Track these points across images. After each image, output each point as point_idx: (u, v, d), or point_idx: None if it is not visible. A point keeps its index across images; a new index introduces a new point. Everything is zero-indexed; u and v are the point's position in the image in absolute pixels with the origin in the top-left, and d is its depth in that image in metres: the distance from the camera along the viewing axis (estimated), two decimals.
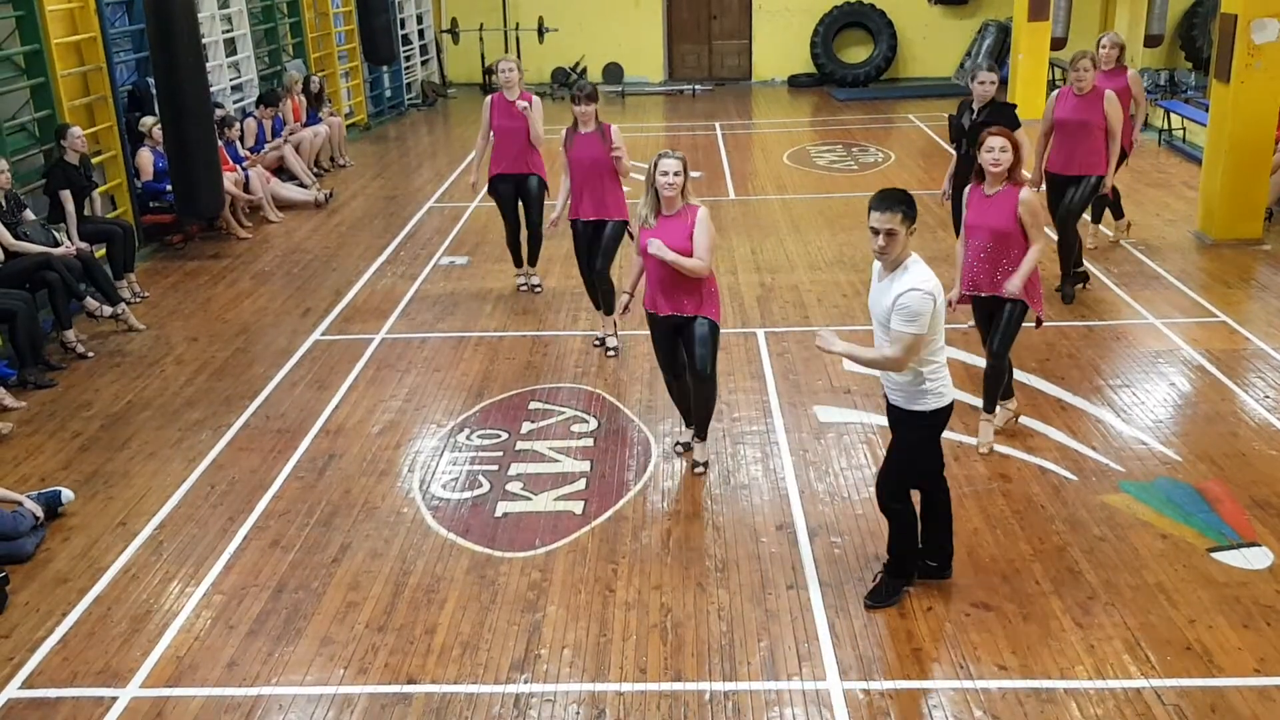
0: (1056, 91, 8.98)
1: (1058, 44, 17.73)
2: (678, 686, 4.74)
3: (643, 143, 16.44)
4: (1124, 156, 9.73)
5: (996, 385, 6.67)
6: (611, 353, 8.26)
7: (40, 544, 5.93)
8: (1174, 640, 4.92)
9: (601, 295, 8.38)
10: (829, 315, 8.92)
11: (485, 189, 9.57)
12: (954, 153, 8.52)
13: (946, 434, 6.79)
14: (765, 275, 9.95)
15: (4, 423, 7.31)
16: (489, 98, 9.17)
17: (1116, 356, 7.99)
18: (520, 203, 9.28)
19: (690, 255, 6.04)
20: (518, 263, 9.75)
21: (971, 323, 7.25)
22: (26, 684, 4.89)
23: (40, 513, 6.04)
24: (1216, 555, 5.54)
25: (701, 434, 6.58)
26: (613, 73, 22.21)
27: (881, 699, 4.63)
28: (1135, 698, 4.58)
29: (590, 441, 6.96)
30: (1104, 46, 9.79)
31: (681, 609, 5.25)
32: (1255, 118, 10.08)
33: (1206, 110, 11.43)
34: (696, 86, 21.57)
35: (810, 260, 10.39)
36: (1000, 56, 19.74)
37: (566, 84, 21.65)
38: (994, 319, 6.48)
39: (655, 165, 6.09)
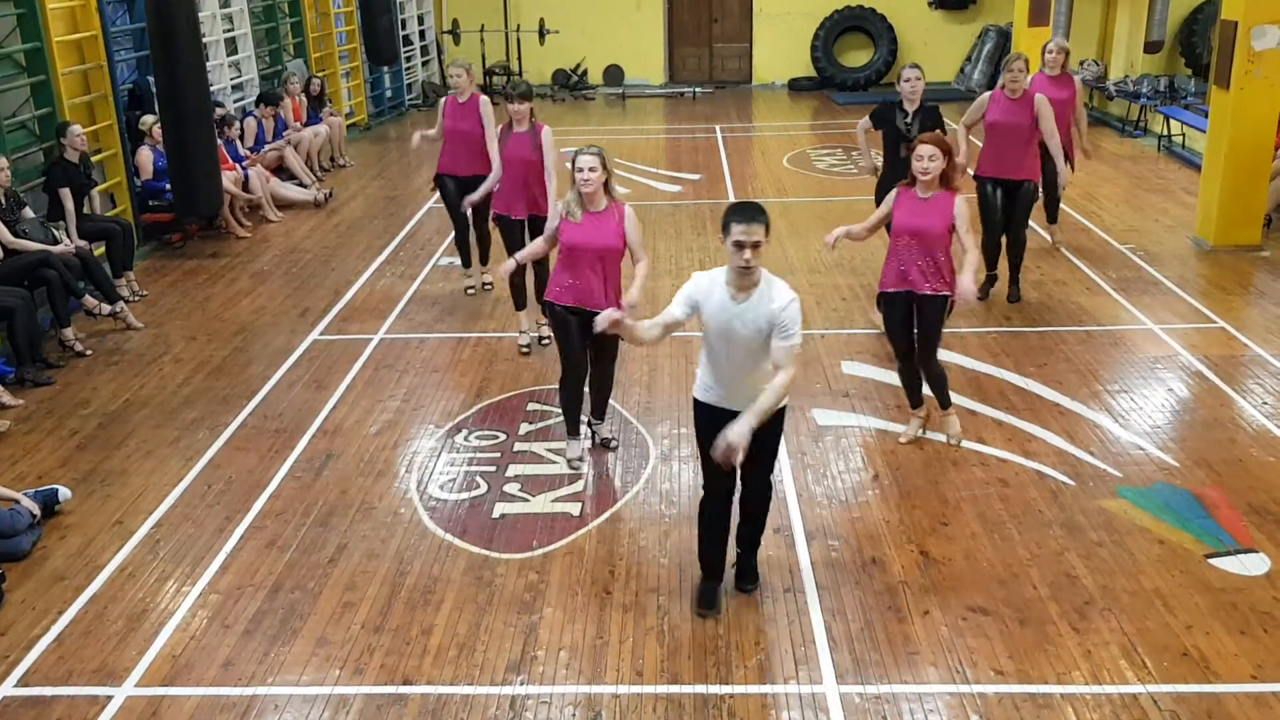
0: (988, 94, 8.88)
1: None
2: (674, 689, 4.73)
3: (643, 145, 16.47)
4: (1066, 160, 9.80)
5: (944, 382, 6.80)
6: (526, 349, 8.26)
7: (37, 542, 5.93)
8: (1171, 646, 4.92)
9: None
10: (829, 318, 8.92)
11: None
12: (879, 149, 8.46)
13: (945, 438, 6.84)
14: None
15: (1, 420, 7.30)
16: (442, 100, 9.12)
17: (1115, 362, 8.00)
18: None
19: (620, 250, 6.29)
20: (466, 263, 9.72)
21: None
22: (22, 682, 4.88)
23: (37, 510, 6.03)
24: (1214, 561, 5.54)
25: (602, 414, 6.87)
26: (613, 75, 22.22)
27: (878, 703, 4.63)
28: (1132, 703, 4.58)
29: (588, 443, 6.95)
30: (1050, 52, 9.79)
31: (679, 611, 5.24)
32: (1255, 124, 10.09)
33: (1206, 116, 11.44)
34: (697, 89, 21.57)
35: (810, 264, 10.39)
36: (1000, 61, 19.75)
37: (568, 86, 21.67)
38: (917, 319, 6.55)
39: (573, 162, 6.16)
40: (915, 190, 6.43)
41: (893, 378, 7.74)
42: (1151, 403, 7.33)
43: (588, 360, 6.56)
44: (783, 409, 4.96)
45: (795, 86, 22.04)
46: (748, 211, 4.65)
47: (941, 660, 4.86)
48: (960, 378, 7.73)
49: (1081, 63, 18.72)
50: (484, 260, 9.71)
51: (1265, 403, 7.27)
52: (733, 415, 4.70)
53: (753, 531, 5.33)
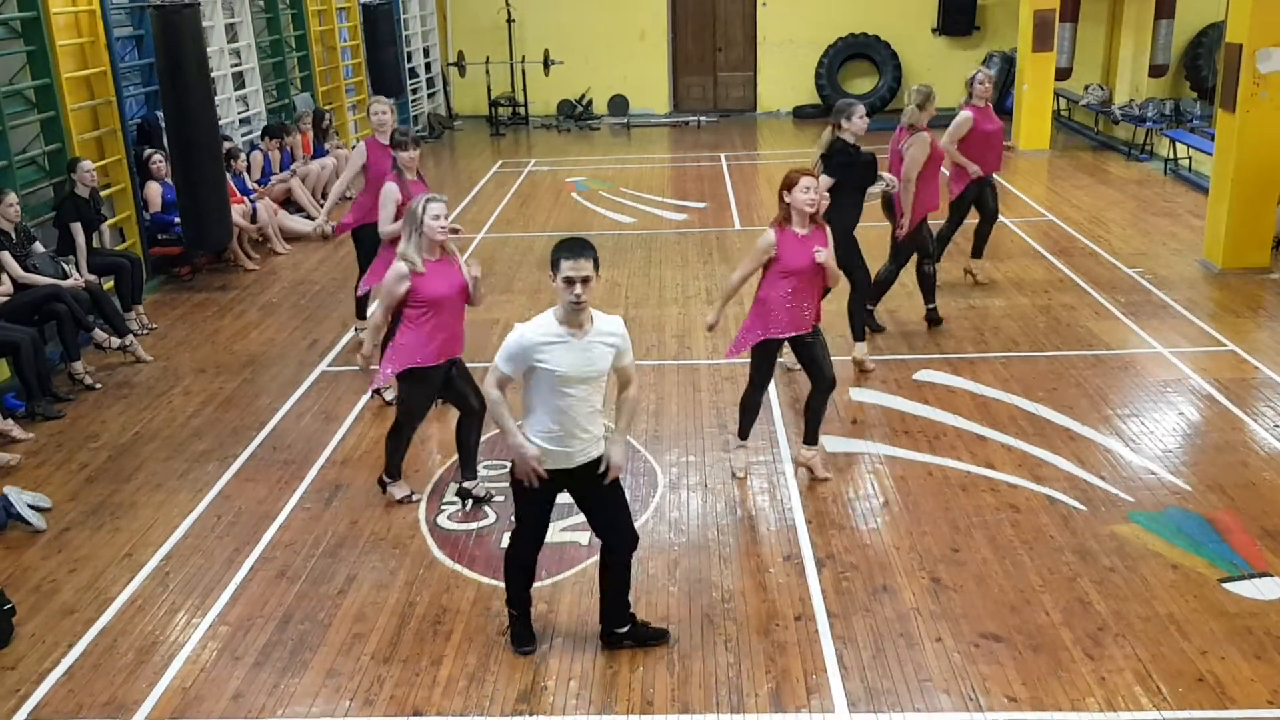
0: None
1: (1062, 74, 17.82)
2: (685, 718, 4.70)
3: (649, 174, 16.52)
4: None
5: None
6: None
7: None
8: (1186, 672, 4.88)
9: None
10: (835, 345, 8.86)
11: (334, 229, 9.19)
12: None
13: (955, 464, 6.83)
14: None
15: (12, 454, 7.31)
16: (363, 144, 8.73)
17: (1125, 386, 7.97)
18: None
19: (469, 297, 6.22)
20: (361, 314, 9.17)
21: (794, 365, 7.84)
22: (32, 716, 4.87)
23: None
24: (1228, 586, 5.50)
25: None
26: (618, 105, 22.33)
27: None
28: None
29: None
30: (980, 83, 9.71)
31: (689, 640, 5.22)
32: (1261, 147, 10.10)
33: (1212, 139, 11.46)
34: (702, 118, 21.67)
35: None
36: (1005, 87, 19.83)
37: (573, 116, 21.78)
38: (814, 352, 6.51)
39: (424, 209, 5.93)
40: (793, 229, 6.26)
41: (902, 404, 7.75)
42: (1162, 426, 7.30)
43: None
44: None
45: (800, 114, 22.12)
46: (577, 247, 4.59)
47: (954, 687, 4.83)
48: (969, 403, 7.72)
49: (1086, 87, 18.79)
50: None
51: (1277, 425, 7.24)
52: (566, 474, 4.85)
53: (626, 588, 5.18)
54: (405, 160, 7.78)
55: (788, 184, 6.22)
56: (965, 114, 9.55)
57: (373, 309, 6.32)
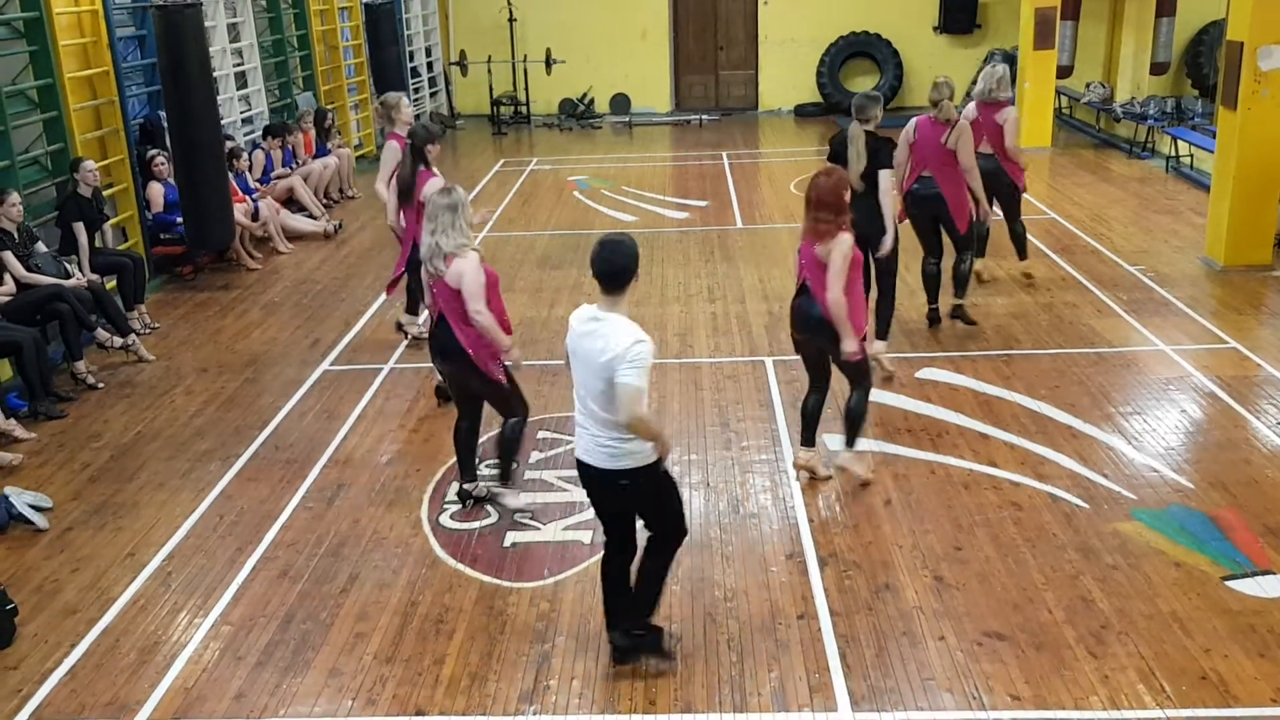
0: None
1: (1064, 72, 17.80)
2: (688, 718, 4.70)
3: (650, 173, 16.52)
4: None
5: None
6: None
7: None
8: (1189, 670, 4.87)
9: None
10: None
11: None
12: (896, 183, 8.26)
13: (957, 462, 6.82)
14: (773, 303, 9.94)
15: (14, 454, 7.32)
16: (394, 142, 8.63)
17: (1127, 384, 7.97)
18: None
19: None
20: (414, 309, 9.19)
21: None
22: (34, 716, 4.87)
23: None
24: (1231, 584, 5.49)
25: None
26: (620, 103, 22.32)
27: None
28: None
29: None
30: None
31: (691, 639, 5.22)
32: (1263, 144, 10.09)
33: (1214, 137, 11.45)
34: (703, 117, 21.65)
35: None
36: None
37: (575, 115, 21.77)
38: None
39: (468, 203, 6.12)
40: None
41: (904, 402, 7.75)
42: (1165, 424, 7.29)
43: None
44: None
45: (801, 113, 22.11)
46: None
47: (957, 686, 4.83)
48: (972, 400, 7.71)
49: (1088, 85, 18.78)
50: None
51: (1279, 423, 7.23)
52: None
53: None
54: (435, 154, 8.05)
55: (848, 183, 6.21)
56: (1014, 110, 9.61)
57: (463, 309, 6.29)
